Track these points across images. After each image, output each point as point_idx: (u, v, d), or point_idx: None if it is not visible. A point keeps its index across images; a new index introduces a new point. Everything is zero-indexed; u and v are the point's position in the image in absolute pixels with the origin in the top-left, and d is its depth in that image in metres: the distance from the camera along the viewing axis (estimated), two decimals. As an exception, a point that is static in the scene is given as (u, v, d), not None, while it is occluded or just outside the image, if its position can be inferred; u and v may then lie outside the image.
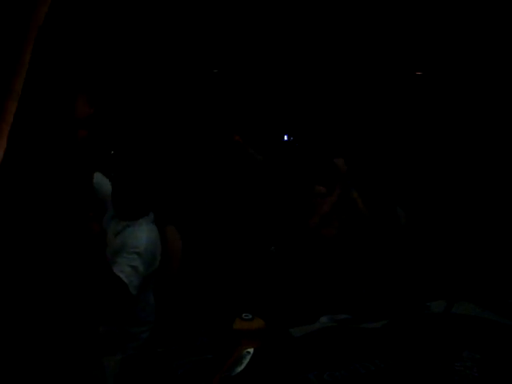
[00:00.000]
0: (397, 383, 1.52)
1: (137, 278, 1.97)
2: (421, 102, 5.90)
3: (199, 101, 6.21)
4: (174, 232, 2.38)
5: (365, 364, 1.59)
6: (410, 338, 1.78)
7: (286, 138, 6.07)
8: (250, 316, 1.59)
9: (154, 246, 2.13)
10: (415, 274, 2.52)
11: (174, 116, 5.93)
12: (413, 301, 2.12)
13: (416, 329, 1.86)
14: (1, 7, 1.18)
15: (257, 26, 5.37)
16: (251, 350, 1.49)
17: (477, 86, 5.21)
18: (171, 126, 5.70)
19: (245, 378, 1.45)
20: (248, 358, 1.47)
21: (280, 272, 2.63)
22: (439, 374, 1.53)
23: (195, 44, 5.76)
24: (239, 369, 1.44)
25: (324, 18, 5.08)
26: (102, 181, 2.37)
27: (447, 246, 2.71)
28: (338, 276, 2.50)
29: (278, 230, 2.92)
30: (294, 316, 2.09)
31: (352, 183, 2.62)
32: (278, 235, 2.88)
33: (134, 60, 5.85)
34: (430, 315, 1.98)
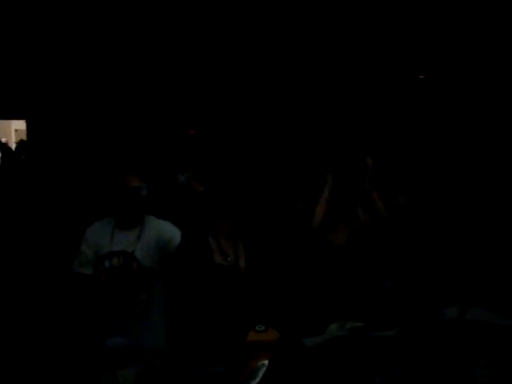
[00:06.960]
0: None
1: None
2: (424, 104, 5.90)
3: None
4: None
5: (380, 373, 1.57)
6: (425, 345, 1.76)
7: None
8: (264, 327, 1.57)
9: None
10: (429, 281, 2.49)
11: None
12: (426, 308, 2.10)
13: (430, 336, 1.84)
14: None
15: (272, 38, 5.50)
16: (266, 362, 1.47)
17: (480, 87, 5.22)
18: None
19: (261, 390, 1.43)
20: (263, 370, 1.45)
21: (290, 280, 2.59)
22: (457, 382, 1.51)
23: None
24: (255, 382, 1.43)
25: (333, 25, 5.15)
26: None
27: (461, 252, 2.68)
28: (348, 283, 2.47)
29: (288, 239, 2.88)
30: (305, 325, 2.07)
31: (373, 185, 2.52)
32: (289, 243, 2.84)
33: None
34: (444, 322, 1.96)
